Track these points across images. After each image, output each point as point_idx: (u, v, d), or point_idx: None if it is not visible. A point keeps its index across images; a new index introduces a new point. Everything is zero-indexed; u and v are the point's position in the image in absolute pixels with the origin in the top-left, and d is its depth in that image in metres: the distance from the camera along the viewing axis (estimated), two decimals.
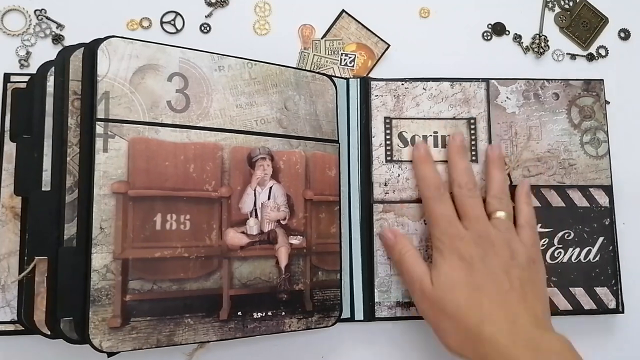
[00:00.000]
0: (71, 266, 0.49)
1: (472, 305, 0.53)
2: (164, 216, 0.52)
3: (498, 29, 0.69)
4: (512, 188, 0.63)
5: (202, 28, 0.66)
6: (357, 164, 0.63)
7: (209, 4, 0.66)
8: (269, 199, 0.57)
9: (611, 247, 0.63)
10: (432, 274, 0.56)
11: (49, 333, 0.50)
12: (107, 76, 0.51)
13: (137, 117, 0.51)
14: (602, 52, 0.69)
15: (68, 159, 0.51)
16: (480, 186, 0.61)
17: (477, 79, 0.65)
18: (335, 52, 0.66)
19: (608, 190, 0.64)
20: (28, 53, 0.62)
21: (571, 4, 0.70)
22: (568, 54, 0.69)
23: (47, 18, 0.63)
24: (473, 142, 0.64)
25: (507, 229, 0.58)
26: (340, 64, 0.66)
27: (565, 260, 0.63)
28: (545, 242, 0.63)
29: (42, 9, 0.63)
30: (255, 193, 0.56)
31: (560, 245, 0.63)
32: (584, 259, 0.63)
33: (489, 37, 0.69)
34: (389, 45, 0.67)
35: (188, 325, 0.52)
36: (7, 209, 0.58)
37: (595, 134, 0.65)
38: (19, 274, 0.54)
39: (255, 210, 0.56)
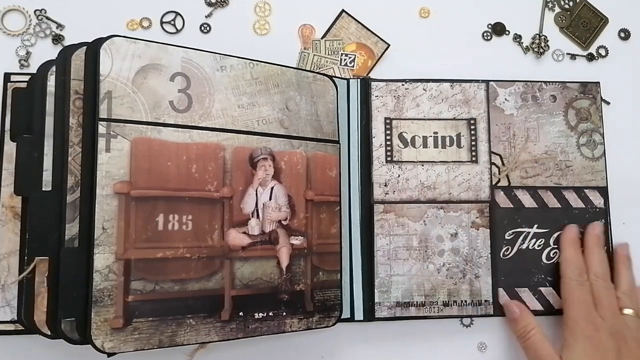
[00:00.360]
0: (73, 267, 0.49)
1: None
2: (166, 216, 0.52)
3: (498, 29, 0.69)
4: (513, 188, 0.64)
5: (202, 28, 0.66)
6: (357, 164, 0.63)
7: (209, 4, 0.66)
8: (270, 199, 0.57)
9: (606, 247, 0.64)
10: (563, 354, 0.57)
11: (49, 333, 0.50)
12: (110, 76, 0.51)
13: (139, 117, 0.51)
14: (602, 52, 0.70)
15: (69, 158, 0.51)
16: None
17: (477, 80, 0.65)
18: (335, 52, 0.66)
19: (603, 191, 0.65)
20: (28, 53, 0.62)
21: (571, 4, 0.71)
22: (568, 54, 0.70)
23: (47, 18, 0.63)
24: (473, 143, 0.64)
25: (637, 327, 0.59)
26: (340, 64, 0.66)
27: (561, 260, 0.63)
28: (542, 243, 0.63)
29: (42, 9, 0.63)
30: (256, 193, 0.56)
31: (556, 246, 0.63)
32: None
33: (489, 37, 0.69)
34: (389, 45, 0.67)
35: (190, 326, 0.52)
36: (7, 209, 0.57)
37: (592, 136, 0.66)
38: (19, 274, 0.54)
39: (257, 210, 0.56)
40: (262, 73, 0.58)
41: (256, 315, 0.55)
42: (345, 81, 0.64)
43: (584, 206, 0.64)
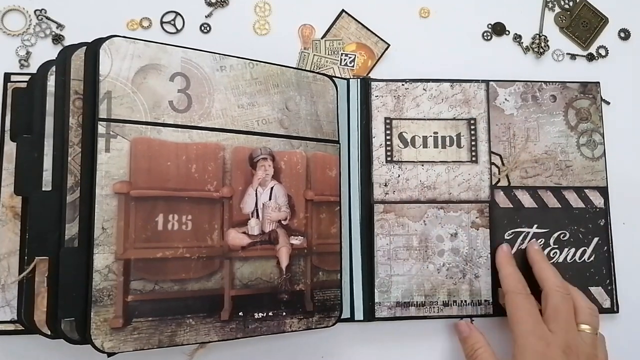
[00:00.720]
0: (73, 266, 0.49)
1: None
2: (165, 216, 0.52)
3: (498, 29, 0.69)
4: (513, 188, 0.64)
5: (202, 28, 0.66)
6: (357, 164, 0.63)
7: (209, 4, 0.66)
8: (270, 199, 0.57)
9: (606, 247, 0.64)
10: None
11: (49, 333, 0.50)
12: (110, 76, 0.51)
13: (139, 117, 0.51)
14: (602, 52, 0.70)
15: (69, 158, 0.51)
16: None
17: (477, 80, 0.65)
18: (335, 52, 0.66)
19: (603, 191, 0.65)
20: (28, 53, 0.62)
21: (571, 4, 0.71)
22: (568, 54, 0.69)
23: (47, 18, 0.63)
24: (473, 143, 0.64)
25: (592, 344, 0.57)
26: (340, 64, 0.66)
27: (560, 260, 0.63)
28: (542, 243, 0.63)
29: (42, 9, 0.63)
30: (256, 193, 0.56)
31: (556, 246, 0.63)
32: (579, 259, 0.64)
33: (489, 37, 0.69)
34: (389, 45, 0.67)
35: (189, 326, 0.52)
36: (7, 209, 0.57)
37: (592, 136, 0.66)
38: (19, 274, 0.54)
39: (257, 210, 0.56)
40: (262, 73, 0.58)
41: (256, 315, 0.55)
42: (345, 81, 0.64)
43: (584, 206, 0.64)
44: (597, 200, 0.64)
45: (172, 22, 0.65)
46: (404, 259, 0.62)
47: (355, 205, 0.62)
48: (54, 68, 0.52)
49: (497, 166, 0.64)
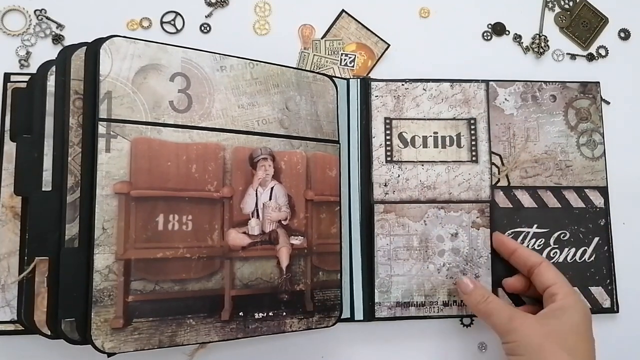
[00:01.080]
0: (73, 267, 0.49)
1: None
2: (166, 216, 0.52)
3: (498, 29, 0.69)
4: (512, 188, 0.64)
5: (202, 28, 0.66)
6: (357, 164, 0.63)
7: (209, 4, 0.66)
8: (270, 199, 0.57)
9: (606, 247, 0.64)
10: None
11: (49, 333, 0.50)
12: (110, 76, 0.51)
13: (139, 117, 0.51)
14: (602, 52, 0.70)
15: (69, 158, 0.51)
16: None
17: (477, 80, 0.65)
18: (335, 52, 0.66)
19: (603, 191, 0.65)
20: (28, 53, 0.62)
21: (571, 4, 0.71)
22: (568, 54, 0.69)
23: (47, 18, 0.63)
24: (473, 143, 0.64)
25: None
26: (340, 64, 0.66)
27: (561, 260, 0.63)
28: (542, 243, 0.63)
29: (42, 9, 0.63)
30: (256, 193, 0.56)
31: (556, 246, 0.64)
32: (579, 259, 0.64)
33: (489, 37, 0.69)
34: (389, 45, 0.67)
35: (190, 326, 0.52)
36: (7, 209, 0.57)
37: (592, 136, 0.66)
38: (19, 274, 0.54)
39: (257, 210, 0.56)
40: (262, 73, 0.58)
41: (256, 315, 0.55)
42: (345, 81, 0.64)
43: (585, 206, 0.64)
44: (598, 200, 0.64)
45: (172, 22, 0.65)
46: (404, 259, 0.62)
47: (355, 205, 0.62)
48: (54, 68, 0.52)
49: (497, 166, 0.64)
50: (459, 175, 0.64)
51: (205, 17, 0.66)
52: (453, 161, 0.64)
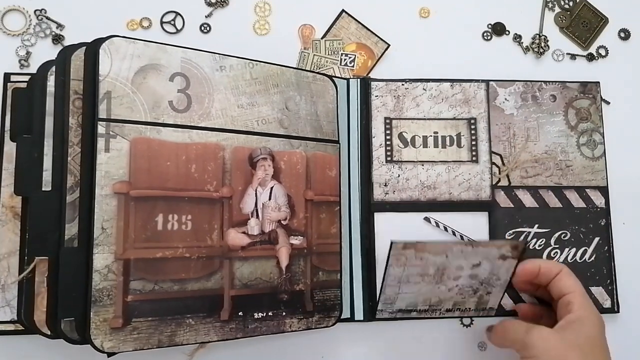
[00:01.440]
0: (72, 266, 0.49)
1: None
2: (165, 216, 0.52)
3: (498, 29, 0.69)
4: (513, 188, 0.64)
5: (202, 28, 0.66)
6: (357, 164, 0.63)
7: (209, 4, 0.66)
8: (270, 199, 0.57)
9: (606, 247, 0.64)
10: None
11: (49, 333, 0.50)
12: (109, 76, 0.51)
13: (139, 117, 0.51)
14: (602, 52, 0.70)
15: (69, 158, 0.51)
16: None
17: (477, 80, 0.65)
18: (335, 52, 0.66)
19: (604, 191, 0.65)
20: (28, 53, 0.62)
21: (571, 4, 0.70)
22: (568, 54, 0.69)
23: (47, 18, 0.63)
24: (473, 143, 0.64)
25: None
26: (340, 64, 0.66)
27: (561, 260, 0.63)
28: (542, 243, 0.63)
29: (42, 9, 0.63)
30: (256, 193, 0.56)
31: (557, 246, 0.63)
32: (580, 259, 0.63)
33: (489, 37, 0.69)
34: (389, 45, 0.67)
35: (189, 326, 0.52)
36: (7, 209, 0.57)
37: (592, 136, 0.66)
38: (19, 274, 0.54)
39: (257, 210, 0.56)
40: (262, 73, 0.58)
41: (256, 315, 0.55)
42: (345, 81, 0.64)
43: (585, 206, 0.64)
44: (598, 200, 0.64)
45: (172, 22, 0.65)
46: (415, 282, 0.58)
47: (355, 205, 0.62)
48: (53, 68, 0.52)
49: (497, 166, 0.64)
50: (459, 175, 0.64)
51: (205, 17, 0.66)
52: (453, 161, 0.64)
